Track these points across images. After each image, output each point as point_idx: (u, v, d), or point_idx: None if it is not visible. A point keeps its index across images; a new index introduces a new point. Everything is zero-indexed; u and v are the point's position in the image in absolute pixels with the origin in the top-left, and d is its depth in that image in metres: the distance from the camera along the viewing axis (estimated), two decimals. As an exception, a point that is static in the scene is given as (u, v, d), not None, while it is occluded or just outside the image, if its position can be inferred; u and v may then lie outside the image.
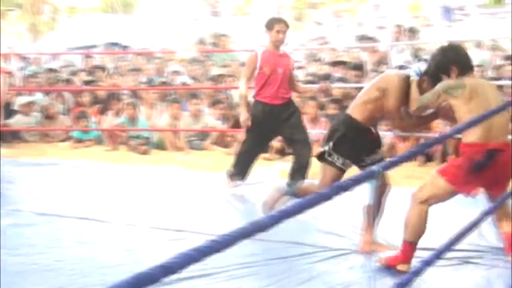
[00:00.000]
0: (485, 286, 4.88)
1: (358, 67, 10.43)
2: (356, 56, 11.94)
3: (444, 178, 4.91)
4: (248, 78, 7.48)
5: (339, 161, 5.48)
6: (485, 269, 5.15)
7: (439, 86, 5.04)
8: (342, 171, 5.54)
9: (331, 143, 5.48)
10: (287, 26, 7.43)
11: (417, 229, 5.01)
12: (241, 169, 7.71)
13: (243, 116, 7.46)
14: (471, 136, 4.88)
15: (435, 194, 4.97)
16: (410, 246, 5.04)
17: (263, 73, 7.34)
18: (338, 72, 10.90)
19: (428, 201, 4.99)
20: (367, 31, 16.21)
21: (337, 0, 32.96)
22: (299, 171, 7.37)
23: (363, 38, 12.72)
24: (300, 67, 11.80)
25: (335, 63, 11.47)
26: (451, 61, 5.07)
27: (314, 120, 9.48)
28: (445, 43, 5.44)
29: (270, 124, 7.41)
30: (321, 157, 5.56)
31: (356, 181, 2.54)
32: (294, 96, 7.86)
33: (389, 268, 5.13)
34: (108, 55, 15.35)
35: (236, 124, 10.45)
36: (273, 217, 2.19)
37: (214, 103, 10.72)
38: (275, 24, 7.39)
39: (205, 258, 1.84)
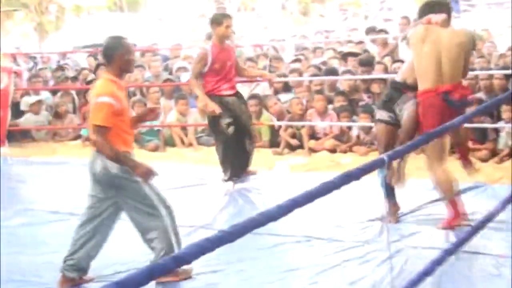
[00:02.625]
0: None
1: (368, 61, 10.32)
2: (365, 49, 11.86)
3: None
4: (197, 75, 7.70)
5: None
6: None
7: None
8: None
9: None
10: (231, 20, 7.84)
11: (447, 187, 5.62)
12: (228, 169, 7.84)
13: (211, 106, 7.57)
14: (425, 84, 5.52)
15: (437, 150, 5.48)
16: (452, 203, 5.66)
17: (215, 69, 7.58)
18: (347, 65, 10.85)
19: (437, 160, 5.56)
20: (374, 23, 16.18)
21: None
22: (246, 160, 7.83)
23: (371, 30, 12.67)
24: (297, 60, 11.76)
25: (346, 54, 11.40)
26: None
27: (322, 113, 9.47)
28: None
29: (232, 114, 7.66)
30: None
31: (365, 170, 2.55)
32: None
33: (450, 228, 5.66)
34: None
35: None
36: (281, 207, 2.19)
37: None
38: (224, 20, 7.65)
39: (216, 248, 1.85)
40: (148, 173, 4.86)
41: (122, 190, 4.97)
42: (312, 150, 9.30)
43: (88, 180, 5.07)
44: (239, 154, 7.81)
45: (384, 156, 2.39)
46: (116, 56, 4.93)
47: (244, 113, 7.85)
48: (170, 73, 12.12)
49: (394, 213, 6.18)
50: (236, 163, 7.79)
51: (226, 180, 7.79)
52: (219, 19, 7.68)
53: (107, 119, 4.77)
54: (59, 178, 8.69)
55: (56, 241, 6.12)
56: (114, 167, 4.87)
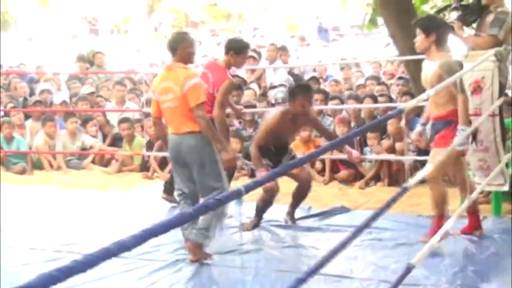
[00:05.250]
0: None
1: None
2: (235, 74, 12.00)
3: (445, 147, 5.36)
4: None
5: None
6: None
7: None
8: None
9: None
10: None
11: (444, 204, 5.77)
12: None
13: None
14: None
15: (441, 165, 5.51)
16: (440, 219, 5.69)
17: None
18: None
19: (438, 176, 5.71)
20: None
21: (216, 19, 33.26)
22: None
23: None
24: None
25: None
26: None
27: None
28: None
29: None
30: None
31: (224, 200, 2.61)
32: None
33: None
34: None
35: (113, 142, 10.41)
36: (136, 236, 2.19)
37: (87, 121, 10.58)
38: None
39: (68, 278, 1.85)
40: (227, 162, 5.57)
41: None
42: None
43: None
44: None
45: (242, 187, 2.45)
46: (180, 48, 5.50)
47: None
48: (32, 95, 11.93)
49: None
50: None
51: None
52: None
53: (204, 96, 5.47)
54: None
55: None
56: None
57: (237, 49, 6.70)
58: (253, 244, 6.18)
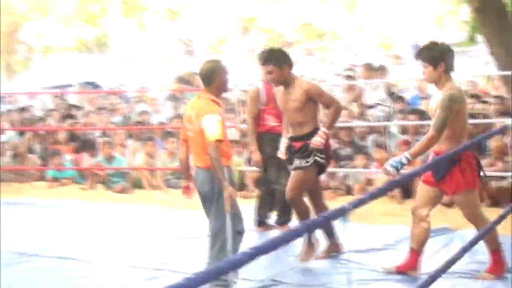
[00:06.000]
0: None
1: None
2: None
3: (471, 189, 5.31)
4: (253, 115, 7.32)
5: None
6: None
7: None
8: None
9: None
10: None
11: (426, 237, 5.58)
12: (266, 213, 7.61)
13: (255, 156, 7.30)
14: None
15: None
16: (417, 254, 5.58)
17: (271, 107, 7.15)
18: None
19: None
20: (340, 69, 16.38)
21: (310, 38, 33.27)
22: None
23: (339, 75, 12.80)
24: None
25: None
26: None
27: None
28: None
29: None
30: None
31: (329, 218, 2.61)
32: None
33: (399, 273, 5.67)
34: (83, 94, 15.36)
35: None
36: (245, 254, 2.21)
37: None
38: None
39: None
40: (229, 198, 5.15)
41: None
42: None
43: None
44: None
45: (347, 204, 2.45)
46: (214, 78, 5.34)
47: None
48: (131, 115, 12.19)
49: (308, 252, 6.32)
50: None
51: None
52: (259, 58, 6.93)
53: (221, 134, 5.18)
54: (26, 219, 8.64)
55: (22, 282, 6.10)
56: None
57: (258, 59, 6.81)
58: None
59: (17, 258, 6.86)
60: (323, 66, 25.78)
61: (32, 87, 19.39)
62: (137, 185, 10.46)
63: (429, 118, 9.09)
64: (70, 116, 12.20)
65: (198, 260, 6.48)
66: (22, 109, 13.20)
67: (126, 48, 32.13)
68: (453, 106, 5.16)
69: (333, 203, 8.50)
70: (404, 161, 5.05)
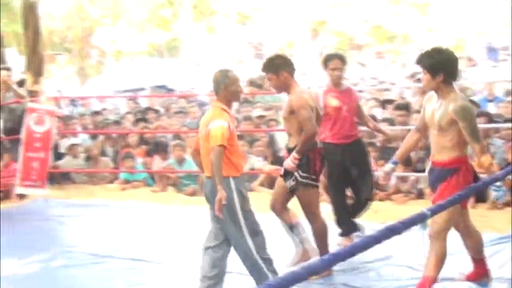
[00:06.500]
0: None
1: (404, 105, 10.30)
2: (402, 97, 11.87)
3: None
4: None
5: None
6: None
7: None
8: None
9: None
10: (343, 62, 6.94)
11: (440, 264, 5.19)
12: (346, 222, 7.18)
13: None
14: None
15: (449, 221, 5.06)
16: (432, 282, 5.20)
17: (327, 114, 6.83)
18: (386, 112, 10.88)
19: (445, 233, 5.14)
20: (412, 72, 16.20)
21: (380, 41, 33.04)
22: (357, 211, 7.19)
23: (410, 78, 12.67)
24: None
25: (385, 102, 11.43)
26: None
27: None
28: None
29: (344, 165, 6.95)
30: None
31: (407, 224, 2.55)
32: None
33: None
34: (155, 97, 15.53)
35: (276, 163, 10.48)
36: (324, 260, 2.20)
37: (252, 142, 10.74)
38: (329, 62, 6.90)
39: None
40: (218, 202, 5.07)
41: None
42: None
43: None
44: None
45: (426, 210, 2.39)
46: (222, 88, 5.32)
47: (356, 166, 7.02)
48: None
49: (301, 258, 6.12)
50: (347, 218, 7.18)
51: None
52: (324, 61, 6.94)
53: (224, 139, 5.10)
54: (99, 221, 8.76)
55: (94, 283, 6.18)
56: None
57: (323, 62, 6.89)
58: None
59: (90, 259, 6.96)
60: (394, 68, 25.55)
61: (104, 91, 19.69)
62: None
63: (495, 122, 8.98)
64: (143, 120, 12.33)
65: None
66: (95, 113, 13.41)
67: (197, 52, 32.41)
68: (472, 115, 4.99)
69: (404, 207, 8.45)
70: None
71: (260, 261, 5.24)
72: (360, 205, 7.15)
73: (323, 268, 2.07)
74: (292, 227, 6.12)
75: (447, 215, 4.88)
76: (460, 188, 4.89)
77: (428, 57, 5.07)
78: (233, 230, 5.25)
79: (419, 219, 2.45)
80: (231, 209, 5.17)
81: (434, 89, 5.07)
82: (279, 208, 6.15)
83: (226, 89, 5.32)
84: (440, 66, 4.98)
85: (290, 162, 5.83)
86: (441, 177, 5.08)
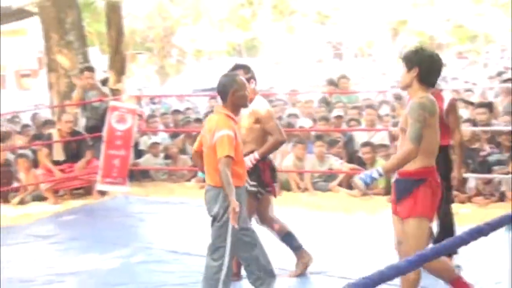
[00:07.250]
0: None
1: (485, 104, 10.11)
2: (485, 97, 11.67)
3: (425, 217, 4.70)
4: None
5: None
6: None
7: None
8: None
9: None
10: None
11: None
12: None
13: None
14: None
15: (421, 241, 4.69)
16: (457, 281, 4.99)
17: None
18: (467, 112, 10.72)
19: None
20: (494, 72, 15.93)
21: (461, 41, 32.52)
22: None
23: (493, 78, 12.44)
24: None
25: (466, 103, 11.26)
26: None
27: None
28: None
29: None
30: None
31: (494, 226, 2.51)
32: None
33: None
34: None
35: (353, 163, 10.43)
36: (410, 261, 2.19)
37: (332, 143, 10.72)
38: None
39: None
40: (233, 213, 4.96)
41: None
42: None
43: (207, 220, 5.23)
44: None
45: None
46: (230, 93, 5.17)
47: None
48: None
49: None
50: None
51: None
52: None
53: (231, 149, 5.01)
54: (177, 218, 8.87)
55: (172, 279, 6.26)
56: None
57: None
58: None
59: (168, 256, 7.06)
60: (475, 69, 25.15)
61: (183, 90, 19.90)
62: (285, 186, 10.51)
63: None
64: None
65: (352, 264, 6.47)
66: (175, 111, 13.56)
67: (276, 51, 32.49)
68: (426, 115, 4.56)
69: (485, 210, 8.31)
70: (376, 175, 4.55)
71: (220, 286, 5.16)
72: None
73: (410, 269, 2.06)
74: (283, 238, 6.27)
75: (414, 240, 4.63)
76: (428, 201, 4.64)
77: (408, 52, 4.85)
78: (217, 238, 5.18)
79: (504, 221, 2.40)
80: (226, 220, 5.09)
81: (408, 84, 4.73)
82: (268, 219, 6.27)
83: (234, 94, 5.17)
84: (416, 62, 4.69)
85: (248, 161, 5.74)
86: (405, 190, 4.73)
